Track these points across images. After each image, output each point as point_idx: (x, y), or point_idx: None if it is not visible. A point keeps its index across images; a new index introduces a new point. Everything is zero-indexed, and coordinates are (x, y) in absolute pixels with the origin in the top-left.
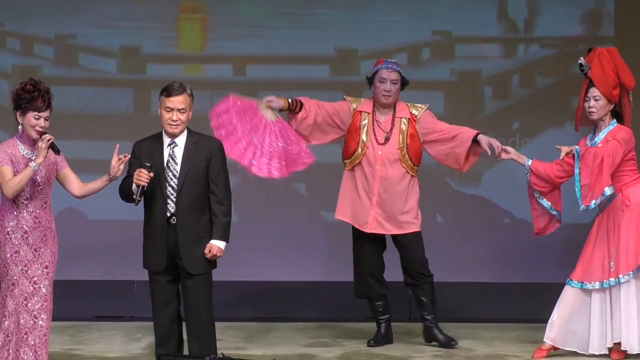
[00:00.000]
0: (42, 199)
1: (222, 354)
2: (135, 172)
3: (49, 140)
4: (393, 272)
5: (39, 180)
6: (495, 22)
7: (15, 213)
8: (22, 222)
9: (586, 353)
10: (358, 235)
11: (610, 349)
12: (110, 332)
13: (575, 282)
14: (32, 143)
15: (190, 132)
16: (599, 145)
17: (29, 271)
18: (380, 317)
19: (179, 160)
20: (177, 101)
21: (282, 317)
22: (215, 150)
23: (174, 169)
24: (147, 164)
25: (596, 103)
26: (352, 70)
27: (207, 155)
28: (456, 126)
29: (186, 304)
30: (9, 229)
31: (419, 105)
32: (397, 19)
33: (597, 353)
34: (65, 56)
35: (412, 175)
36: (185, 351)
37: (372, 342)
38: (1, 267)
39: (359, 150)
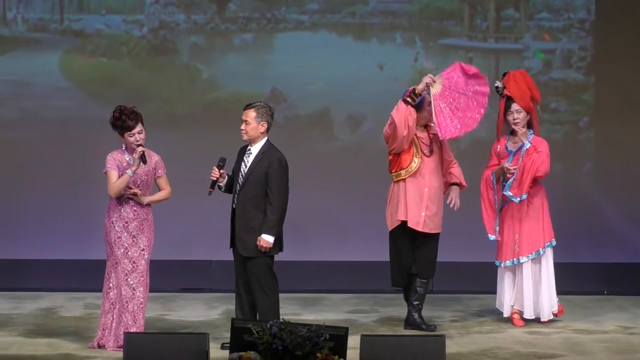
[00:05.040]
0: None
1: (282, 319)
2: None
3: (140, 152)
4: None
5: (138, 182)
6: None
7: (118, 207)
8: (124, 215)
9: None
10: (399, 235)
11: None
12: (193, 301)
13: (497, 261)
14: None
15: (266, 144)
16: (529, 150)
17: (129, 253)
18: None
19: (248, 165)
20: (244, 114)
21: (330, 289)
22: (274, 162)
23: (243, 171)
24: (221, 161)
25: (519, 115)
26: None
27: (267, 165)
28: None
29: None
30: (113, 219)
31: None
32: None
33: (506, 315)
34: None
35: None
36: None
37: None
38: (107, 249)
39: (414, 163)
